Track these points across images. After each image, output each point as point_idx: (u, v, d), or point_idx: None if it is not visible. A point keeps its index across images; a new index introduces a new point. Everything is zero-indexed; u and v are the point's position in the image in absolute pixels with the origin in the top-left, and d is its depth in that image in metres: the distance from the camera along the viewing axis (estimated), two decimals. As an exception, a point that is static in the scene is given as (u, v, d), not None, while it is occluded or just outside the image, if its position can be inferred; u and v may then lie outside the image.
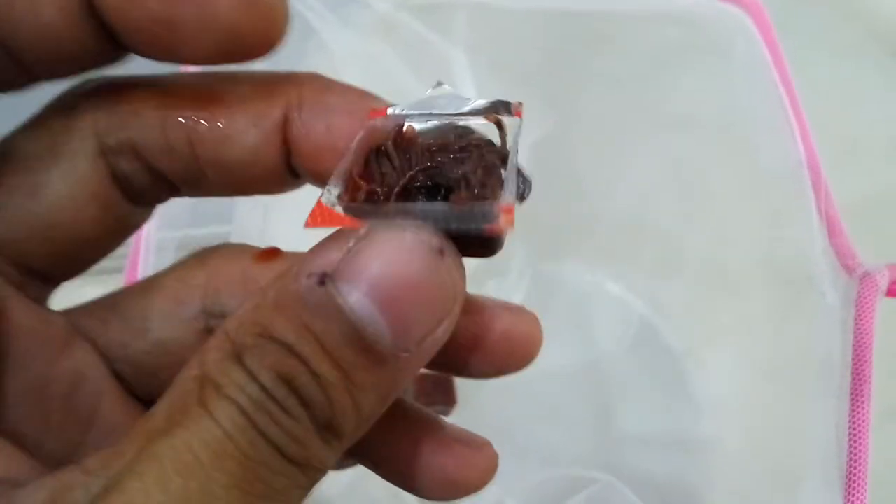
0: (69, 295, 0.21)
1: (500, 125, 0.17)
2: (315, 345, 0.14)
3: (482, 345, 0.18)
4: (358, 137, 0.17)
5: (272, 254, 0.21)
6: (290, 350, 0.14)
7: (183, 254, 0.37)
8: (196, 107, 0.19)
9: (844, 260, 0.31)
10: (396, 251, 0.15)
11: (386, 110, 0.18)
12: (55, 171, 0.18)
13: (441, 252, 0.15)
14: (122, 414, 0.20)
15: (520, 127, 0.17)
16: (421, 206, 0.15)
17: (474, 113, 0.17)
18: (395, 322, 0.14)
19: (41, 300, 0.20)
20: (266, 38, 0.17)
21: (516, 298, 0.50)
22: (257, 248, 0.21)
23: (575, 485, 0.42)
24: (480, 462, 0.19)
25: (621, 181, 0.49)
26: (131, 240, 0.21)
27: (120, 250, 0.21)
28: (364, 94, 0.19)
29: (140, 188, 0.19)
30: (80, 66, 0.18)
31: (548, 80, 0.42)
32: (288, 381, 0.14)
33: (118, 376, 0.20)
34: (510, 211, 0.15)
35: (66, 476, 0.14)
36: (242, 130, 0.19)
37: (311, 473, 0.15)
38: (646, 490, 0.44)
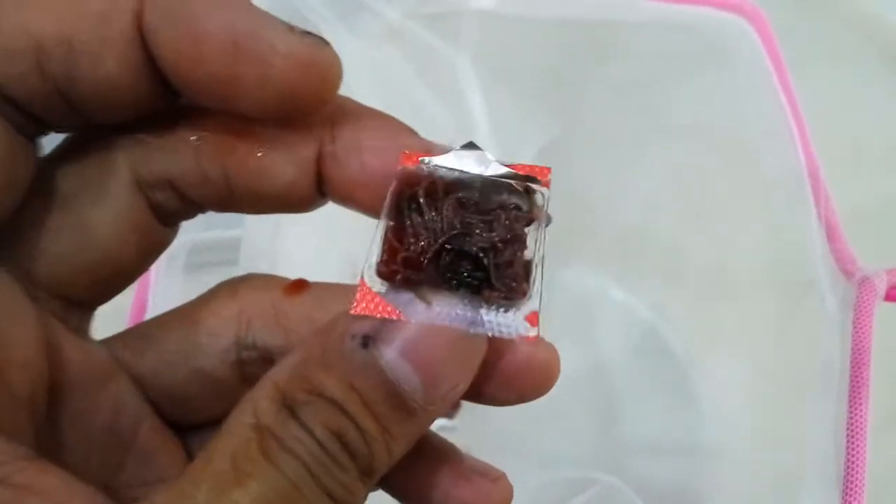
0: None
1: (528, 192, 0.18)
2: (360, 403, 0.16)
3: (502, 375, 0.19)
4: (391, 189, 0.18)
5: (300, 286, 0.21)
6: (339, 407, 0.16)
7: (194, 257, 0.37)
8: (231, 141, 0.19)
9: (843, 265, 0.31)
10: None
11: (417, 156, 0.18)
12: (96, 210, 0.19)
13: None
14: (158, 439, 0.21)
15: (548, 200, 0.18)
16: (457, 301, 0.17)
17: (504, 178, 0.18)
18: (427, 380, 0.16)
19: (83, 328, 0.20)
20: (319, 97, 0.18)
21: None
22: (285, 280, 0.22)
23: (577, 486, 0.42)
24: (496, 494, 0.21)
25: (625, 187, 0.49)
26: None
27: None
28: (396, 130, 0.20)
29: (173, 212, 0.20)
30: (136, 112, 0.19)
31: (553, 88, 0.42)
32: (339, 436, 0.16)
33: (150, 400, 0.21)
34: (535, 318, 0.17)
35: None
36: (278, 166, 0.19)
37: None
38: (648, 494, 0.44)
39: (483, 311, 0.17)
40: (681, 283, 0.50)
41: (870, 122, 0.49)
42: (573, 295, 0.52)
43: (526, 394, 0.19)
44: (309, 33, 0.18)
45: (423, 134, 0.20)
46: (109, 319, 0.22)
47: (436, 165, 0.18)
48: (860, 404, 0.28)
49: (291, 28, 0.17)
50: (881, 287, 0.29)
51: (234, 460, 0.15)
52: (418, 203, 0.17)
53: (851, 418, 0.28)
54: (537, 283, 0.17)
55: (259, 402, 0.16)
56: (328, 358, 0.16)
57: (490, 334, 0.17)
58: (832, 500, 0.29)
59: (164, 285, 0.35)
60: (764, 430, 0.44)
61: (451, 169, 0.18)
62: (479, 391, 0.19)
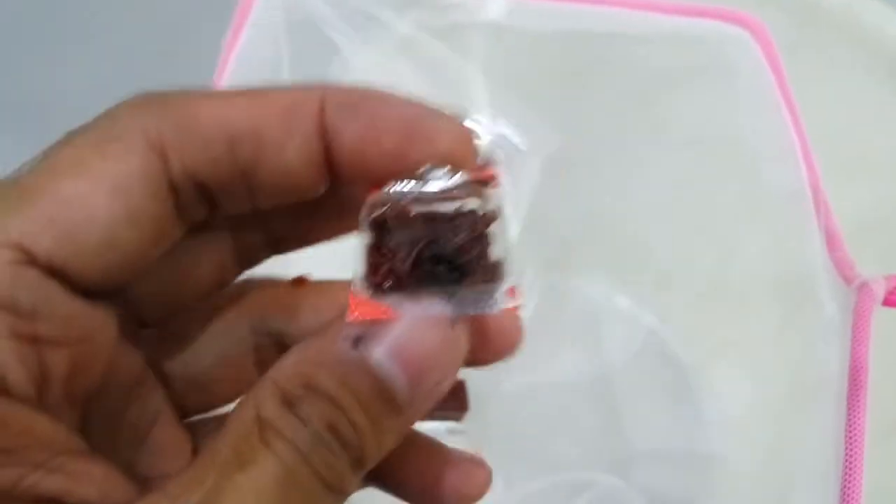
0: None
1: (481, 194, 0.20)
2: (352, 397, 0.17)
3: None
4: (361, 215, 0.20)
5: (300, 283, 0.24)
6: (332, 401, 0.17)
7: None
8: None
9: (843, 271, 0.31)
10: (416, 322, 0.18)
11: (379, 186, 0.20)
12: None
13: (452, 322, 0.19)
14: (170, 436, 0.23)
15: (500, 198, 0.20)
16: (438, 292, 0.19)
17: (458, 188, 0.20)
18: (412, 378, 0.18)
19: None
20: (469, 161, 0.20)
21: (525, 310, 0.51)
22: (287, 280, 0.24)
23: (579, 487, 0.42)
24: (481, 477, 0.23)
25: (629, 196, 0.49)
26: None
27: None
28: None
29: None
30: (298, 198, 0.21)
31: (559, 99, 0.43)
32: (332, 427, 0.17)
33: (174, 389, 0.23)
34: (514, 290, 0.19)
35: (153, 501, 0.16)
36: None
37: (341, 497, 0.18)
38: (650, 499, 0.45)
39: (466, 296, 0.18)
40: (684, 291, 0.51)
41: (871, 133, 0.50)
42: (578, 303, 0.53)
43: (490, 359, 0.22)
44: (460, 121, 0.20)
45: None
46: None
47: (397, 191, 0.20)
48: (858, 409, 0.29)
49: (448, 115, 0.20)
50: (880, 292, 0.29)
51: (237, 448, 0.17)
52: (387, 225, 0.19)
53: (850, 422, 0.29)
54: (509, 264, 0.19)
55: (260, 399, 0.17)
56: (323, 357, 0.18)
57: (476, 313, 0.19)
58: (831, 507, 0.30)
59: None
60: (766, 438, 0.44)
61: (410, 191, 0.20)
62: None
